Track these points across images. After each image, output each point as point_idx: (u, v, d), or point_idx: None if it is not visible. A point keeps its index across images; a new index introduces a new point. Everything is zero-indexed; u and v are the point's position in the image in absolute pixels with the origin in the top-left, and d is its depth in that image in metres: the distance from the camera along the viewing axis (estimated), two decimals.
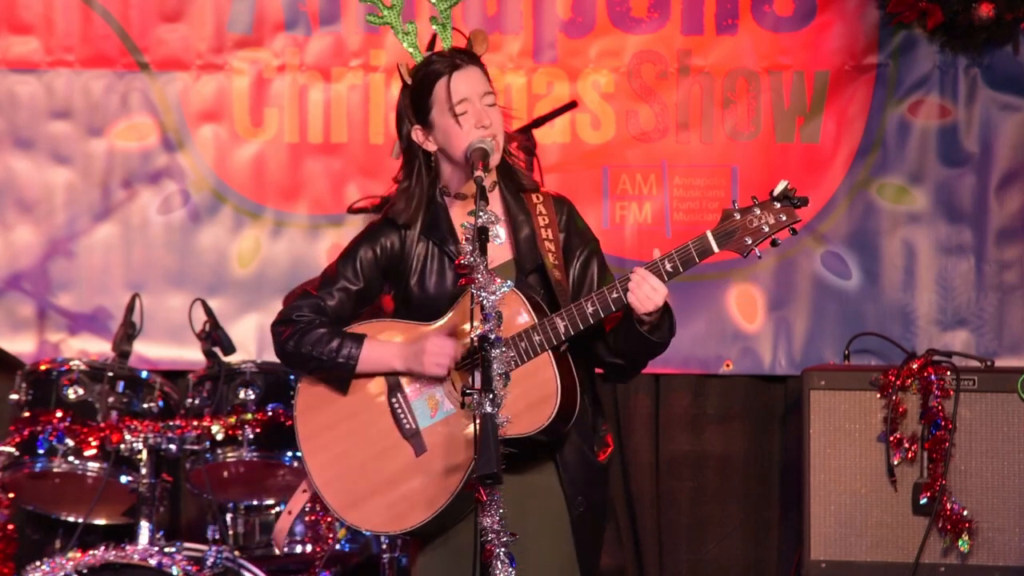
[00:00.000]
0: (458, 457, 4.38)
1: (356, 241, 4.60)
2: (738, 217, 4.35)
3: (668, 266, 4.37)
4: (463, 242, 4.21)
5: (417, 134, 4.52)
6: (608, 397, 6.88)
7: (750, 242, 4.35)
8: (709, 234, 4.36)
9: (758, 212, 4.35)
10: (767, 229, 4.35)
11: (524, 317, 4.38)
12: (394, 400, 4.46)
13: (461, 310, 4.41)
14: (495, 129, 4.47)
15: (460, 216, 4.51)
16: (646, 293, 4.35)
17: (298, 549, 6.07)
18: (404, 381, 4.47)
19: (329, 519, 6.03)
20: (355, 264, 4.55)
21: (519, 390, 4.28)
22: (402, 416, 4.45)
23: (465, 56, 4.49)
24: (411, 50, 4.57)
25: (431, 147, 4.51)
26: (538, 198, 4.58)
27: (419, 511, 4.40)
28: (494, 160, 4.46)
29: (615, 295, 4.37)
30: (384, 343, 4.48)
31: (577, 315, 4.37)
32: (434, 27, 4.57)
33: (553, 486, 4.47)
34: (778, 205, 4.35)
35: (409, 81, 4.52)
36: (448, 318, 4.45)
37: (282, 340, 4.52)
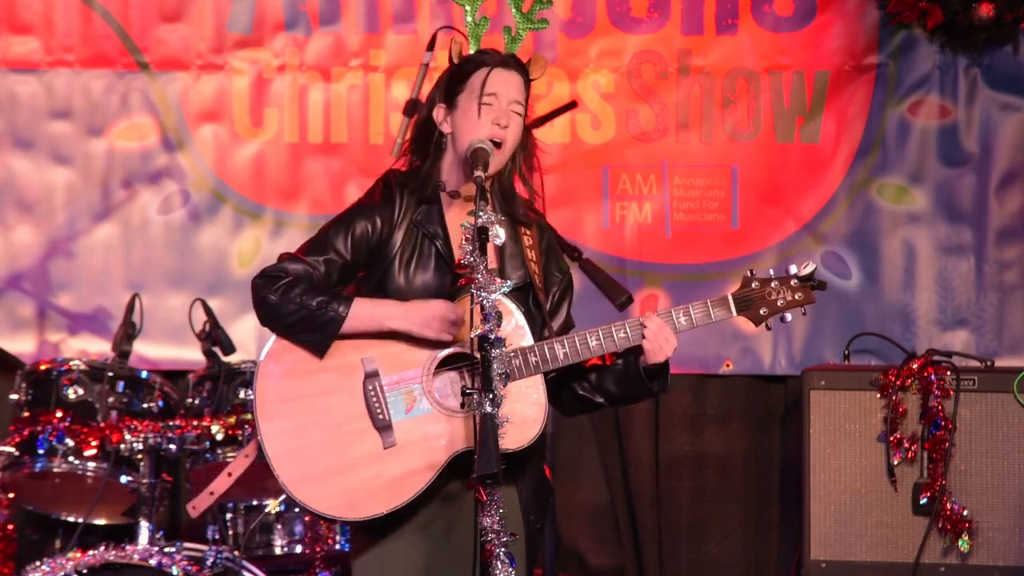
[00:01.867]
0: (428, 458, 4.36)
1: (350, 213, 4.53)
2: (756, 286, 4.44)
3: (682, 320, 4.41)
4: (463, 242, 4.21)
5: (439, 112, 4.53)
6: None
7: (764, 313, 4.45)
8: (730, 297, 4.43)
9: (775, 285, 4.45)
10: (780, 304, 4.44)
11: (521, 334, 4.39)
12: (370, 387, 4.40)
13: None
14: (508, 135, 4.47)
15: (454, 214, 4.51)
16: (660, 344, 4.38)
17: (298, 549, 6.07)
18: (383, 371, 4.43)
19: (328, 517, 6.02)
20: (347, 235, 4.48)
21: (506, 408, 4.26)
22: (376, 405, 4.39)
23: (517, 63, 4.52)
24: (472, 40, 4.60)
25: (447, 128, 4.51)
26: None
27: (377, 503, 4.36)
28: (494, 165, 4.46)
29: (622, 335, 4.39)
30: (378, 301, 4.41)
31: (579, 345, 4.38)
32: (504, 37, 4.61)
33: (512, 499, 4.45)
34: (796, 283, 4.45)
35: (455, 60, 4.56)
36: None
37: (264, 292, 4.40)
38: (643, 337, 4.39)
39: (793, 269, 4.46)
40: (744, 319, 4.45)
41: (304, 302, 4.37)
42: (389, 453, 4.39)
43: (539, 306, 4.49)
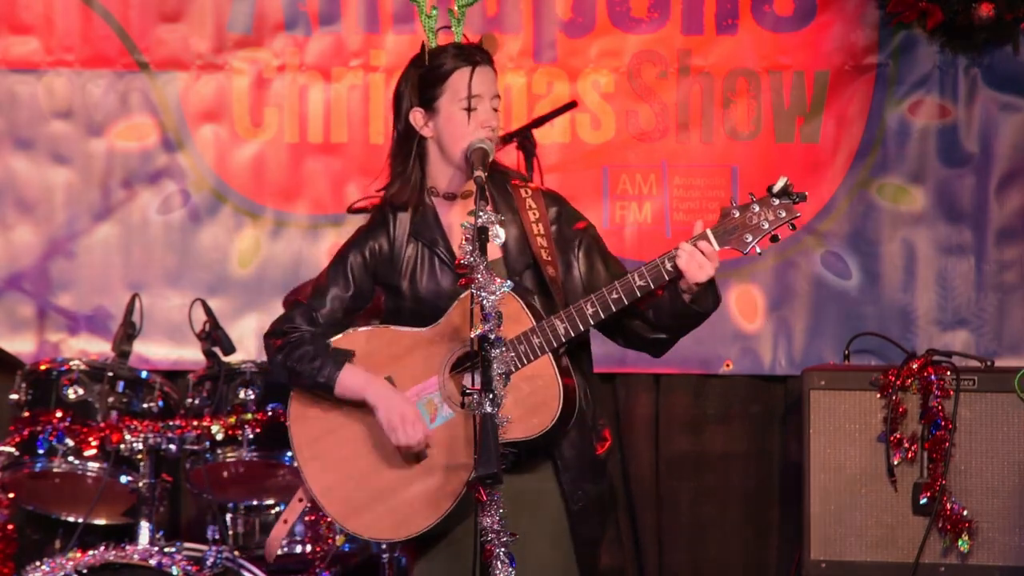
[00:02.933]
0: (460, 460, 4.37)
1: (345, 247, 4.61)
2: (737, 215, 4.37)
3: (668, 266, 4.38)
4: (463, 242, 4.21)
5: (416, 117, 4.50)
6: (608, 397, 6.88)
7: (750, 239, 4.37)
8: (709, 232, 4.37)
9: (757, 209, 4.37)
10: (767, 226, 4.37)
11: (521, 319, 4.38)
12: None
13: (458, 312, 4.40)
14: (496, 134, 4.48)
15: (450, 216, 4.51)
16: (699, 263, 4.35)
17: (298, 549, 6.07)
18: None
19: (328, 519, 6.02)
20: (345, 270, 4.56)
21: (520, 394, 4.27)
22: None
23: (486, 56, 4.50)
24: (429, 34, 4.55)
25: (428, 133, 4.50)
26: (526, 192, 4.57)
27: (423, 516, 4.40)
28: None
29: (615, 295, 4.38)
30: (361, 374, 4.46)
31: (577, 317, 4.36)
32: (450, 20, 4.57)
33: (550, 488, 4.46)
34: (777, 202, 4.37)
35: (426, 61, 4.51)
36: (444, 321, 4.44)
37: (272, 353, 4.57)
38: (644, 291, 4.37)
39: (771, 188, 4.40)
40: (731, 250, 4.39)
41: (299, 368, 4.50)
42: (423, 466, 4.42)
43: (552, 282, 4.46)
